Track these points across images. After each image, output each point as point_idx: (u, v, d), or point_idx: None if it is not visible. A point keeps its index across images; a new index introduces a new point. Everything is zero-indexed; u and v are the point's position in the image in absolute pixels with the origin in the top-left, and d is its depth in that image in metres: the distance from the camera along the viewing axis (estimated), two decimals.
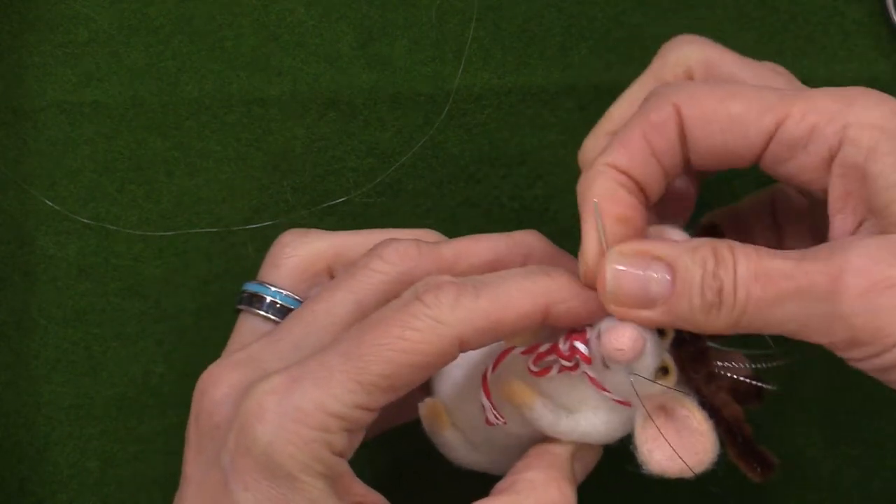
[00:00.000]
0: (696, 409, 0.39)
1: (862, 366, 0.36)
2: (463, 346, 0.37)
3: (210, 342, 0.51)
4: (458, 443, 0.42)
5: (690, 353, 0.39)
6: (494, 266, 0.40)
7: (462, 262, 0.41)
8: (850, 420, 0.52)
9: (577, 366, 0.38)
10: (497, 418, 0.39)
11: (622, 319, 0.37)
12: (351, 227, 0.44)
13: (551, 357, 0.39)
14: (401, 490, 0.46)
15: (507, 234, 0.42)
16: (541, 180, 0.51)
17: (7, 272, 0.51)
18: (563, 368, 0.39)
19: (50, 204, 0.51)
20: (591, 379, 0.38)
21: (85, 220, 0.51)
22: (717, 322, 0.36)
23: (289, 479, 0.36)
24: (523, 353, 0.39)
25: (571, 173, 0.52)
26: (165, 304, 0.51)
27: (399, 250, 0.40)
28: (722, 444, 0.39)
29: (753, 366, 0.40)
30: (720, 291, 0.35)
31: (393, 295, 0.38)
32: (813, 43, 0.52)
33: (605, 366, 0.38)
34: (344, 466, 0.38)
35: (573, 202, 0.52)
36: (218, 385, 0.39)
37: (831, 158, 0.37)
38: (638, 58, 0.51)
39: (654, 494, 0.48)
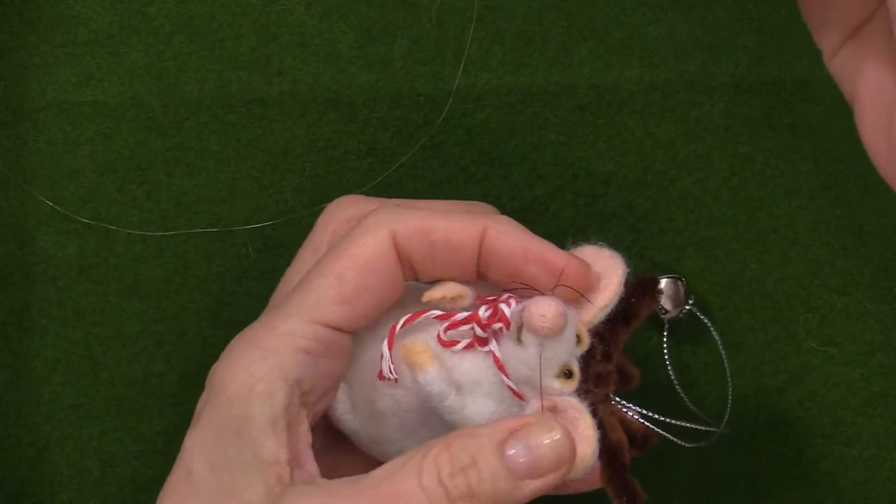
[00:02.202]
0: (587, 415, 0.39)
1: None
2: (397, 245, 0.39)
3: (210, 342, 0.51)
4: (341, 395, 0.41)
5: (597, 371, 0.40)
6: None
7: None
8: (850, 420, 0.52)
9: (486, 340, 0.38)
10: (391, 372, 0.39)
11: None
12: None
13: (465, 328, 0.39)
14: None
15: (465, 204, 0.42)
16: (541, 180, 0.51)
17: (7, 272, 0.51)
18: (469, 345, 0.39)
19: (50, 204, 0.51)
20: (496, 359, 0.38)
21: (85, 220, 0.51)
22: None
23: (227, 402, 0.38)
24: (438, 317, 0.39)
25: (571, 173, 0.52)
26: (165, 304, 0.51)
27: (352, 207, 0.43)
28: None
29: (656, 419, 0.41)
30: None
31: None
32: (813, 43, 0.52)
33: (519, 341, 0.38)
34: (293, 399, 0.38)
35: (573, 202, 0.52)
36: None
37: None
38: (638, 58, 0.51)
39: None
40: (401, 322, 0.39)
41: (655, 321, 0.51)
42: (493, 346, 0.39)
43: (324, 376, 0.40)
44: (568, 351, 0.39)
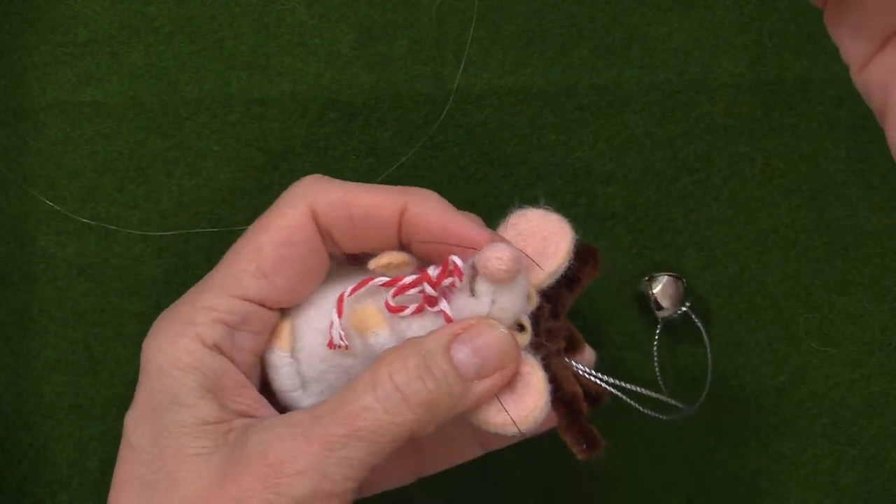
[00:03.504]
0: (539, 369, 0.39)
1: None
2: (317, 218, 0.40)
3: None
4: (287, 370, 0.41)
5: (548, 327, 0.40)
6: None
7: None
8: (850, 420, 0.52)
9: (436, 300, 0.39)
10: (341, 339, 0.39)
11: None
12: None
13: (412, 292, 0.39)
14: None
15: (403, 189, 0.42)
16: (541, 180, 0.51)
17: (7, 272, 0.51)
18: (418, 308, 0.39)
19: (50, 204, 0.51)
20: (446, 316, 0.39)
21: (85, 220, 0.51)
22: None
23: (157, 374, 0.38)
24: (384, 284, 0.39)
25: (571, 173, 0.52)
26: (165, 304, 0.51)
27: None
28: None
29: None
30: None
31: None
32: (813, 43, 0.52)
33: (472, 291, 0.38)
34: (221, 363, 0.39)
35: (573, 202, 0.52)
36: None
37: None
38: (638, 58, 0.51)
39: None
40: (348, 290, 0.40)
41: (650, 317, 0.51)
42: (443, 305, 0.39)
43: (247, 351, 0.40)
44: (521, 304, 0.39)
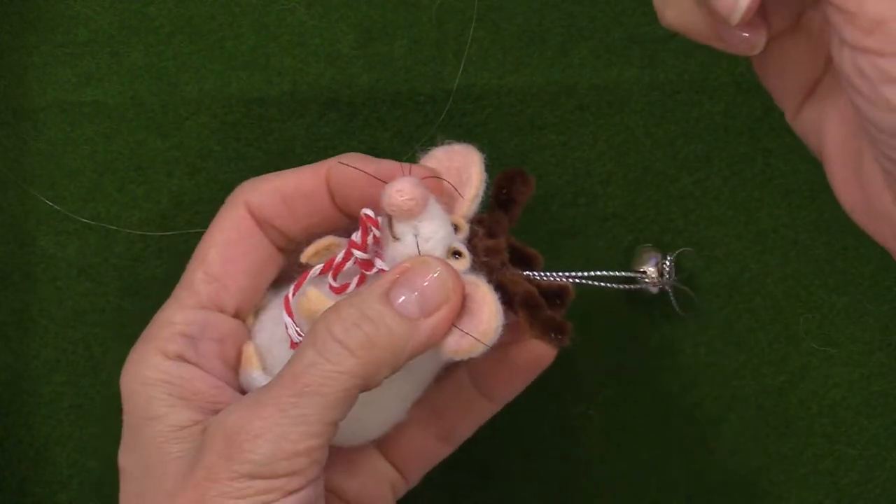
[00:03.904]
0: (481, 283, 0.39)
1: None
2: (254, 213, 0.41)
3: None
4: (260, 381, 0.41)
5: (486, 245, 0.40)
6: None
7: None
8: (850, 420, 0.52)
9: (371, 262, 0.39)
10: (299, 335, 0.39)
11: None
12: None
13: (350, 266, 0.39)
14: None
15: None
16: (541, 180, 0.51)
17: (7, 272, 0.51)
18: (361, 278, 0.39)
19: (50, 204, 0.51)
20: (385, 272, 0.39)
21: (85, 220, 0.51)
22: None
23: (129, 397, 0.39)
24: (322, 272, 0.39)
25: (571, 173, 0.52)
26: None
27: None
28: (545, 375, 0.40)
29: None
30: None
31: None
32: None
33: (394, 235, 0.38)
34: (187, 370, 0.39)
35: (573, 202, 0.52)
36: None
37: None
38: (638, 58, 0.51)
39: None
40: (291, 290, 0.40)
41: (641, 297, 0.51)
42: (378, 264, 0.39)
43: (214, 359, 0.41)
44: (445, 230, 0.39)
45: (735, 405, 0.51)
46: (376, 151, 0.51)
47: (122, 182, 0.51)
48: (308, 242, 0.42)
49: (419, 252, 0.38)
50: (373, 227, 0.38)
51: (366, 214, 0.39)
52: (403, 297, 0.37)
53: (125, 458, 0.40)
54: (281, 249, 0.43)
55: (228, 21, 0.51)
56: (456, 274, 0.38)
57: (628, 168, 0.52)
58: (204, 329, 0.41)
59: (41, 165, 0.51)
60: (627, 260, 0.51)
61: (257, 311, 0.43)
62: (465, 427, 0.44)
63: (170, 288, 0.51)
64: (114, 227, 0.51)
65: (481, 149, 0.42)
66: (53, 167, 0.51)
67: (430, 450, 0.44)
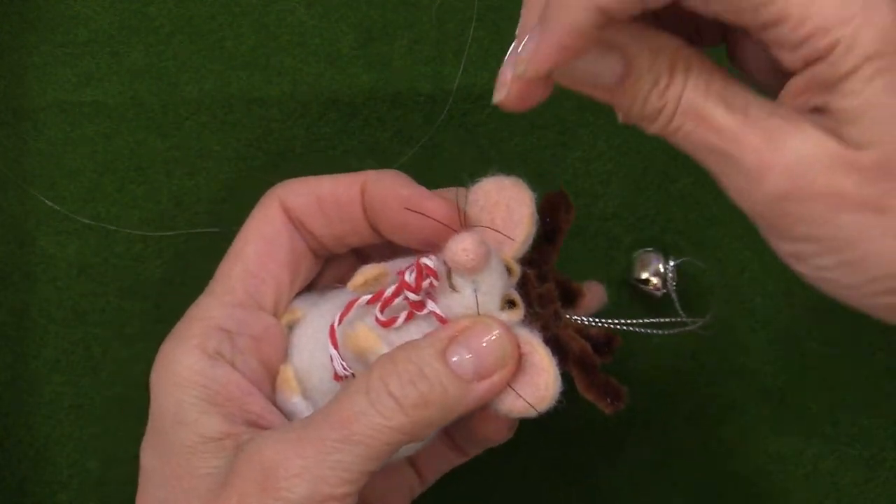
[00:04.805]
0: (539, 345, 0.38)
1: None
2: (288, 212, 0.41)
3: None
4: (307, 413, 0.41)
5: (538, 293, 0.40)
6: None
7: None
8: (850, 420, 0.52)
9: (423, 303, 0.38)
10: (345, 369, 0.39)
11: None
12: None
13: (398, 301, 0.38)
14: None
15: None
16: (541, 180, 0.51)
17: (7, 272, 0.51)
18: (409, 315, 0.39)
19: (50, 204, 0.51)
20: (438, 316, 0.38)
21: (85, 220, 0.51)
22: (647, 129, 0.35)
23: (158, 395, 0.39)
24: (369, 302, 0.39)
25: (571, 173, 0.52)
26: (165, 304, 0.51)
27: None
28: (570, 379, 0.39)
29: (622, 326, 0.41)
30: (661, 110, 0.34)
31: None
32: None
33: (452, 286, 0.38)
34: (225, 372, 0.39)
35: (573, 202, 0.52)
36: None
37: None
38: None
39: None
40: (336, 319, 0.40)
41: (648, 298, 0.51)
42: (430, 306, 0.38)
43: (250, 357, 0.40)
44: (503, 282, 0.39)
45: (735, 405, 0.51)
46: (376, 151, 0.51)
47: (122, 182, 0.51)
48: (341, 251, 0.42)
49: (477, 306, 0.38)
50: (431, 277, 0.38)
51: (425, 265, 0.38)
52: (459, 357, 0.37)
53: (148, 458, 0.39)
54: (313, 251, 0.42)
55: (228, 21, 0.51)
56: (514, 339, 0.38)
57: (628, 168, 0.52)
58: (242, 325, 0.40)
59: (41, 165, 0.51)
60: (627, 260, 0.51)
61: (290, 322, 0.42)
62: (477, 446, 0.44)
63: (170, 288, 0.51)
64: (114, 227, 0.51)
65: (527, 182, 0.40)
66: (53, 167, 0.51)
67: (447, 454, 0.44)
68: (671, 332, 0.44)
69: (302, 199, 0.41)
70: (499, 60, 0.52)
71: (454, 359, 0.37)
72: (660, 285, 0.50)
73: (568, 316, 0.40)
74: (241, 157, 0.51)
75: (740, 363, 0.52)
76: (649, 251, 0.50)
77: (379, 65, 0.51)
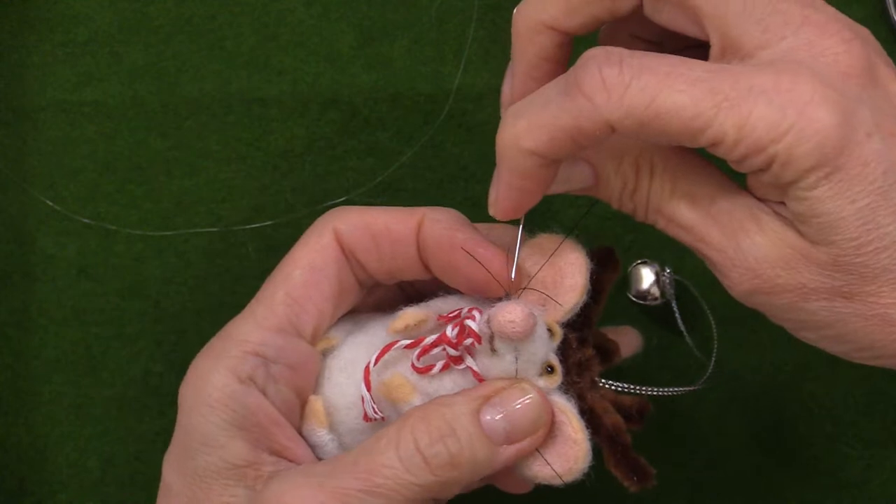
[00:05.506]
0: (574, 417, 0.38)
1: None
2: (341, 242, 0.40)
3: None
4: (331, 446, 0.41)
5: (577, 360, 0.39)
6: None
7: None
8: (850, 420, 0.52)
9: (461, 358, 0.38)
10: (375, 412, 0.39)
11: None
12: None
13: (436, 350, 0.38)
14: None
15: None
16: None
17: (7, 272, 0.51)
18: (446, 365, 0.38)
19: (50, 204, 0.51)
20: (474, 373, 0.38)
21: (85, 220, 0.51)
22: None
23: (188, 412, 0.38)
24: (407, 346, 0.38)
25: None
26: (165, 304, 0.51)
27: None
28: (600, 452, 0.39)
29: (650, 392, 0.41)
30: (633, 210, 0.36)
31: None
32: None
33: (493, 349, 0.37)
34: (256, 399, 0.38)
35: (574, 201, 0.52)
36: None
37: None
38: None
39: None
40: (373, 360, 0.39)
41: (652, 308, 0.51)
42: (469, 362, 0.38)
43: (283, 385, 0.40)
44: (543, 349, 0.38)
45: (735, 406, 0.51)
46: (376, 151, 0.51)
47: (122, 182, 0.51)
48: (388, 283, 0.41)
49: (516, 371, 0.38)
50: (472, 339, 0.38)
51: (469, 328, 0.38)
52: (492, 419, 0.37)
53: (171, 473, 0.39)
54: (359, 282, 0.42)
55: (228, 21, 0.51)
56: (549, 406, 0.38)
57: None
58: (279, 352, 0.39)
59: (41, 165, 0.51)
60: (628, 260, 0.51)
61: (325, 349, 0.41)
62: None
63: (170, 288, 0.51)
64: (114, 227, 0.51)
65: (558, 235, 0.40)
66: (53, 167, 0.51)
67: None
68: (698, 387, 0.44)
69: (357, 231, 0.40)
70: (499, 60, 0.52)
71: (486, 418, 0.37)
72: (658, 295, 0.50)
73: (603, 382, 0.40)
74: (241, 157, 0.51)
75: (740, 363, 0.52)
76: (641, 263, 0.50)
77: (379, 65, 0.51)
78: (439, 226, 0.39)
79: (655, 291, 0.50)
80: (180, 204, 0.51)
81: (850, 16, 0.52)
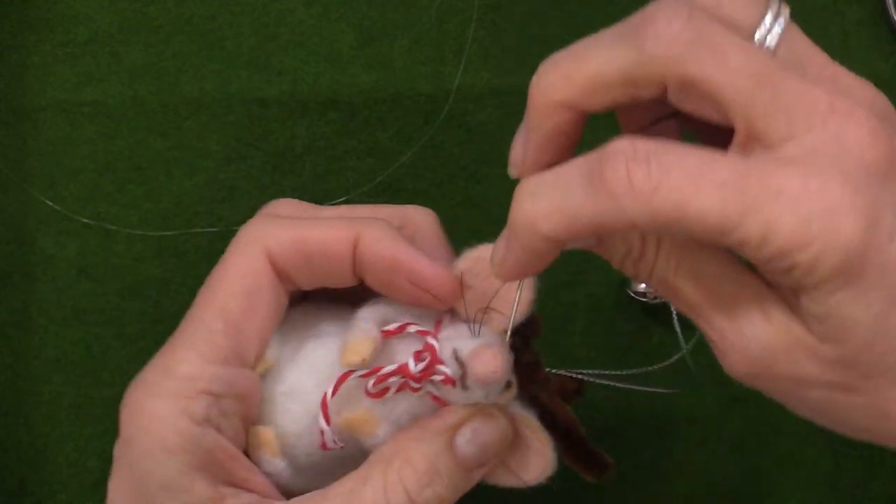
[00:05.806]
0: (538, 430, 0.39)
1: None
2: (274, 261, 0.39)
3: None
4: (285, 471, 0.40)
5: (526, 361, 0.40)
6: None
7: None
8: None
9: (421, 387, 0.38)
10: (335, 443, 0.39)
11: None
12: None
13: (394, 379, 0.38)
14: None
15: (399, 206, 0.42)
16: None
17: (7, 272, 0.51)
18: (400, 388, 0.38)
19: (50, 204, 0.51)
20: (436, 398, 0.38)
21: (85, 220, 0.51)
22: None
23: (143, 455, 0.37)
24: (363, 376, 0.38)
25: None
26: (165, 304, 0.51)
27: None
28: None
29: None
30: (636, 276, 0.35)
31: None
32: (812, 41, 0.52)
33: (465, 387, 0.37)
34: (212, 438, 0.38)
35: None
36: None
37: None
38: None
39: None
40: (330, 392, 0.38)
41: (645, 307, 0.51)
42: (430, 388, 0.38)
43: (234, 416, 0.39)
44: (507, 377, 0.38)
45: (735, 405, 0.51)
46: (376, 151, 0.51)
47: (122, 182, 0.51)
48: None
49: (484, 398, 0.38)
50: (448, 384, 0.38)
51: (442, 372, 0.37)
52: (464, 446, 0.38)
53: (119, 497, 0.39)
54: (289, 294, 0.41)
55: (228, 21, 0.51)
56: (512, 426, 0.38)
57: None
58: (228, 386, 0.39)
59: (41, 165, 0.51)
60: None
61: (263, 371, 0.40)
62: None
63: (170, 288, 0.51)
64: (114, 227, 0.51)
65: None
66: (53, 167, 0.51)
67: None
68: (649, 388, 0.44)
69: (289, 251, 0.39)
70: (499, 60, 0.52)
71: (459, 448, 0.38)
72: (657, 294, 0.50)
73: (549, 370, 0.40)
74: (241, 157, 0.51)
75: None
76: None
77: (379, 65, 0.51)
78: (379, 245, 0.39)
79: (651, 289, 0.50)
80: (180, 204, 0.51)
81: (849, 16, 0.53)
